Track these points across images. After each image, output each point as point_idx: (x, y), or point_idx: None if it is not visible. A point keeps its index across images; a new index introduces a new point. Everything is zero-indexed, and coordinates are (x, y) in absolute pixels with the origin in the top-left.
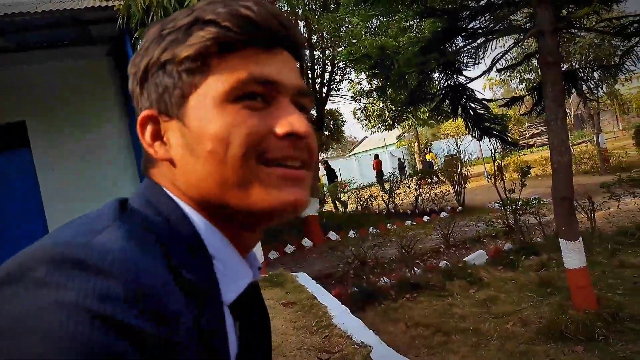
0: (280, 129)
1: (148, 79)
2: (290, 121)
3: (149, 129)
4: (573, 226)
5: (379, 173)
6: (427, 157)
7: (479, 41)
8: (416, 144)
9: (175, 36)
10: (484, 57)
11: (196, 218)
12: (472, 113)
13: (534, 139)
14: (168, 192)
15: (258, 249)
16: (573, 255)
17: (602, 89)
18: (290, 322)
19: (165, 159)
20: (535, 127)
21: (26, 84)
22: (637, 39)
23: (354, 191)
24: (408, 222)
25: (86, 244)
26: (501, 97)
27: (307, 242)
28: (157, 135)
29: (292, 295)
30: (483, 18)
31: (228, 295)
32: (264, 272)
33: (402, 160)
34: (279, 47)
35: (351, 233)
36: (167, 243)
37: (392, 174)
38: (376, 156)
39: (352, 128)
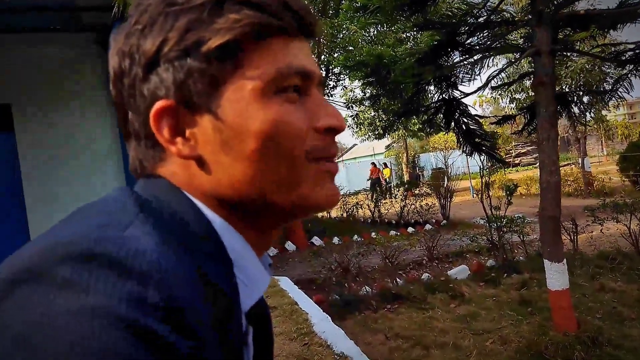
0: (321, 124)
1: (160, 64)
2: (332, 115)
3: (166, 122)
4: (558, 247)
5: (376, 180)
6: (385, 172)
7: (475, 57)
8: (404, 155)
9: (196, 15)
10: (480, 73)
11: (214, 219)
12: (464, 128)
13: (519, 158)
14: (186, 193)
15: None
16: (557, 276)
17: (590, 113)
18: None
19: (191, 157)
20: (521, 147)
21: (14, 68)
22: (631, 67)
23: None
24: (393, 232)
25: (119, 239)
26: (490, 115)
27: (290, 246)
28: (177, 130)
29: (272, 299)
30: (481, 35)
31: (246, 302)
32: None
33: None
34: (303, 35)
35: (335, 239)
36: (194, 249)
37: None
38: (373, 164)
39: (343, 135)
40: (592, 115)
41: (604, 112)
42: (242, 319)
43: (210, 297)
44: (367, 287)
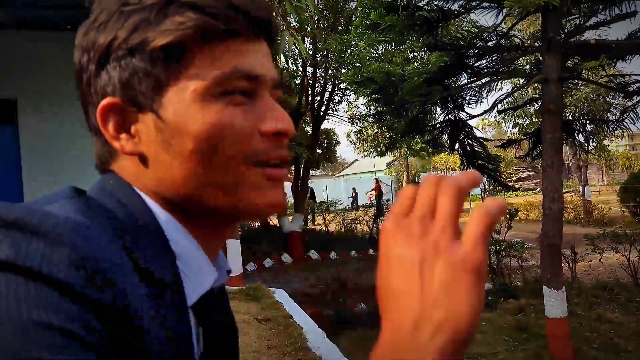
0: (267, 128)
1: (110, 61)
2: (277, 119)
3: (112, 119)
4: (558, 275)
5: (379, 197)
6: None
7: (483, 80)
8: (405, 173)
9: (145, 16)
10: (487, 96)
11: (161, 214)
12: (468, 149)
13: (519, 183)
14: (133, 186)
15: (237, 259)
16: (555, 304)
17: (592, 142)
18: (264, 340)
19: (133, 153)
20: (522, 172)
21: (23, 63)
22: (638, 98)
23: (338, 213)
24: None
25: (30, 208)
26: (492, 139)
27: (286, 258)
28: (122, 127)
29: (268, 311)
30: (490, 58)
31: (191, 296)
32: (241, 284)
33: (356, 190)
34: (260, 36)
35: (333, 254)
36: (125, 231)
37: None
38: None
39: (344, 149)
40: (594, 144)
41: (605, 142)
42: (188, 310)
43: (139, 273)
44: (362, 304)
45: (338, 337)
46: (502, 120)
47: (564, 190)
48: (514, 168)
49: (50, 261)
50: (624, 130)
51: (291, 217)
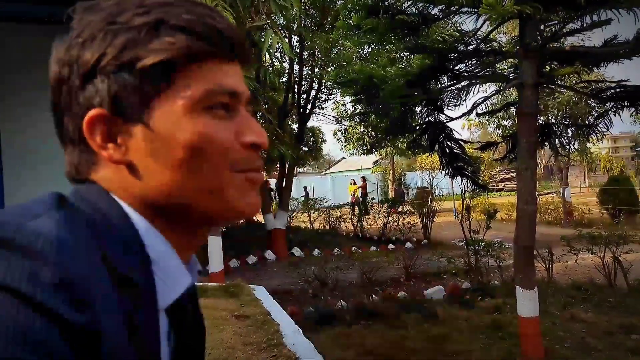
0: (247, 139)
1: (97, 76)
2: (256, 132)
3: (99, 129)
4: (530, 275)
5: (365, 195)
6: (350, 189)
7: (463, 83)
8: (391, 172)
9: (133, 35)
10: (466, 99)
11: (138, 220)
12: (447, 151)
13: (503, 183)
14: (111, 194)
15: (218, 256)
16: (527, 303)
17: (574, 145)
18: (240, 337)
19: (122, 162)
20: (506, 172)
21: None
22: (611, 104)
23: (324, 210)
24: (373, 248)
25: (20, 225)
26: (478, 139)
27: (270, 255)
28: (109, 137)
29: (246, 308)
30: (470, 62)
31: (164, 300)
32: (221, 281)
33: (307, 189)
34: (235, 59)
35: (316, 251)
36: (104, 239)
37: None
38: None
39: (332, 147)
40: (576, 147)
41: (588, 145)
42: (161, 314)
43: (114, 280)
44: (342, 302)
45: (317, 334)
46: (486, 122)
47: (545, 192)
48: (498, 169)
49: (35, 284)
50: (598, 135)
51: (274, 215)
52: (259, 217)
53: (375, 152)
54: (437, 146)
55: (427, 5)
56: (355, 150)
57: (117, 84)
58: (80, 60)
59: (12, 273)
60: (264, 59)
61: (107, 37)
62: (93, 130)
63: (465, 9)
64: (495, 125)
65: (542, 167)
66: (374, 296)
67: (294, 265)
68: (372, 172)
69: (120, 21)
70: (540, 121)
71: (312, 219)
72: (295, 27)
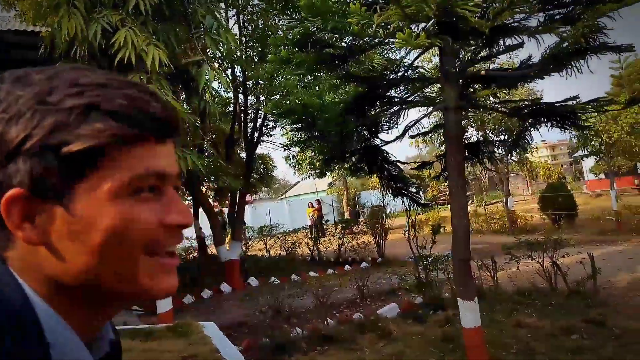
0: (171, 221)
1: (20, 155)
2: (181, 212)
3: (16, 209)
4: (469, 286)
5: (320, 217)
6: (308, 212)
7: (395, 108)
8: (345, 192)
9: (62, 118)
10: (397, 122)
11: (42, 306)
12: (386, 173)
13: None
14: (16, 276)
15: None
16: (469, 314)
17: (512, 157)
18: None
19: (37, 243)
20: None
21: None
22: (530, 121)
23: (280, 236)
24: (330, 271)
25: None
26: (427, 154)
27: (225, 288)
28: (27, 217)
29: (194, 347)
30: (399, 88)
31: None
32: (170, 321)
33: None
34: (167, 137)
35: (272, 279)
36: (4, 328)
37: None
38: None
39: (287, 172)
40: (514, 158)
41: (527, 155)
42: None
43: None
44: (297, 329)
45: None
46: (430, 139)
47: (492, 201)
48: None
49: None
50: (520, 152)
51: (228, 246)
52: (212, 250)
53: (328, 175)
54: (376, 169)
55: (353, 38)
56: (308, 174)
57: (40, 165)
58: (5, 137)
59: None
60: (207, 92)
61: (34, 117)
62: (10, 210)
63: (387, 40)
64: (439, 142)
65: (487, 178)
66: (329, 320)
67: (249, 296)
68: (328, 194)
69: (50, 101)
70: (469, 139)
71: (268, 246)
72: (236, 57)
